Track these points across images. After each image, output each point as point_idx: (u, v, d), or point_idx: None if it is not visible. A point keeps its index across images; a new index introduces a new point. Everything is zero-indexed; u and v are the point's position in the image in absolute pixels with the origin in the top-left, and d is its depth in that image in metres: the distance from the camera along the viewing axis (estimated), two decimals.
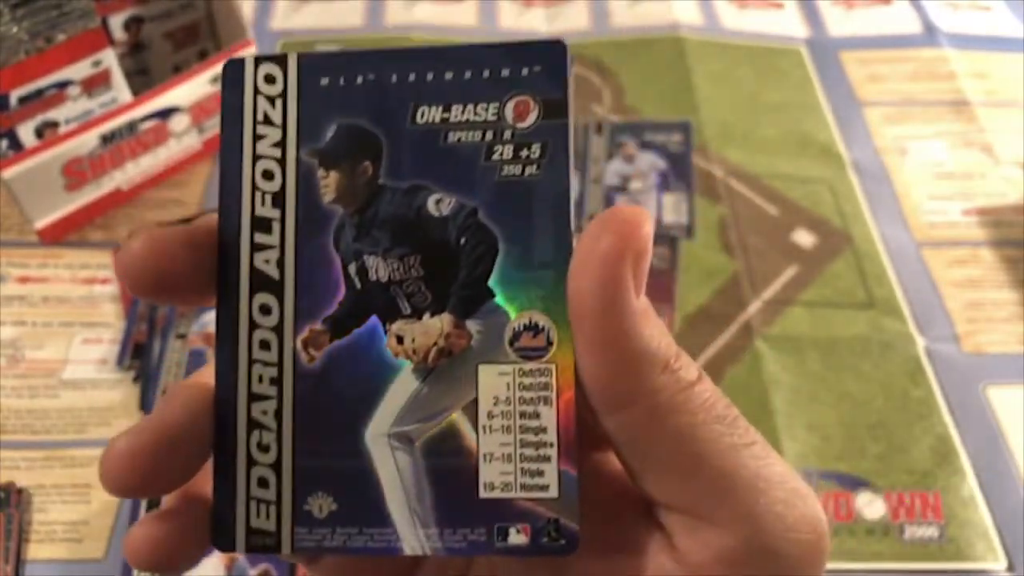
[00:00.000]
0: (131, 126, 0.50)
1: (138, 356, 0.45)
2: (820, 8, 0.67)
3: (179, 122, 0.52)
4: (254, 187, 0.18)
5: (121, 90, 0.49)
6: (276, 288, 0.18)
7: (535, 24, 0.65)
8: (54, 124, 0.48)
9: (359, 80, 0.18)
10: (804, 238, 0.51)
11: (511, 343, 0.17)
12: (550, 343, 0.17)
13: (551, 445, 0.17)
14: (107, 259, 0.50)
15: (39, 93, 0.47)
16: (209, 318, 0.46)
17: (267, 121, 0.18)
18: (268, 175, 0.18)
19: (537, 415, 0.17)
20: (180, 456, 0.17)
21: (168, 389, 0.18)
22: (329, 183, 0.18)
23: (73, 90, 0.48)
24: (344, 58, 0.18)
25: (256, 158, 0.18)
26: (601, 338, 0.16)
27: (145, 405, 0.43)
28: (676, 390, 0.16)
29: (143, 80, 0.53)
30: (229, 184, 0.18)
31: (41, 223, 0.49)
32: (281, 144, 0.18)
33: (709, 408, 0.16)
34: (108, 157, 0.50)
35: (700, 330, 0.46)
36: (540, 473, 0.17)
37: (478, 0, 0.67)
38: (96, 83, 0.48)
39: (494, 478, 0.17)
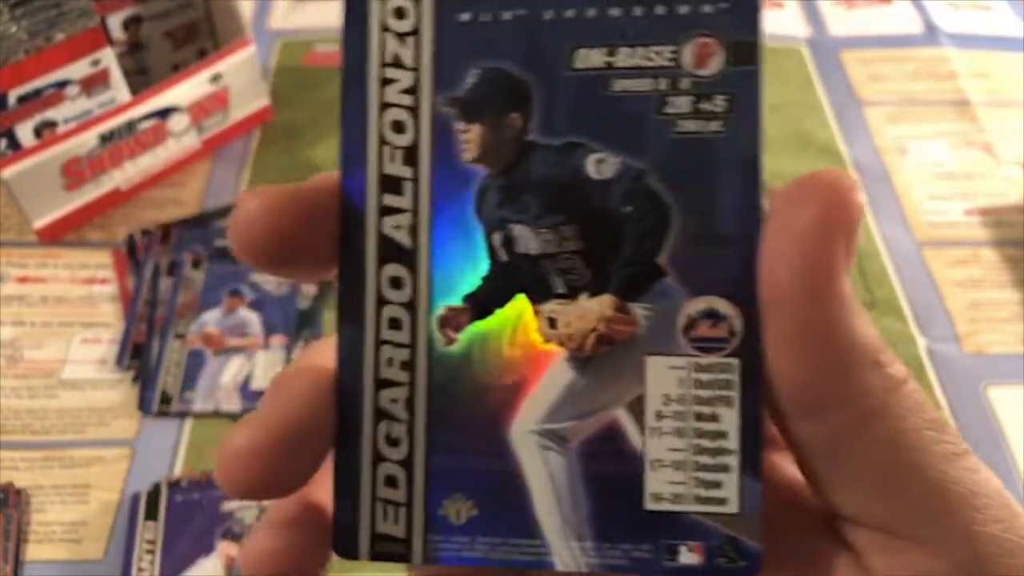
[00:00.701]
0: (130, 126, 0.50)
1: (137, 356, 0.45)
2: (821, 8, 0.67)
3: (178, 122, 0.52)
4: (382, 141, 0.15)
5: (120, 89, 0.49)
6: (409, 259, 0.16)
7: None
8: (53, 124, 0.48)
9: (506, 16, 0.15)
10: None
11: (686, 332, 0.15)
12: (733, 333, 0.15)
13: (732, 453, 0.15)
14: (106, 259, 0.49)
15: (38, 93, 0.46)
16: (208, 318, 0.46)
17: (397, 63, 0.15)
18: (399, 127, 0.16)
19: (716, 417, 0.15)
20: (304, 453, 0.15)
21: (283, 375, 0.16)
22: (470, 138, 0.15)
23: (72, 90, 0.47)
24: None
25: (384, 106, 0.15)
26: (804, 330, 0.13)
27: (144, 405, 0.43)
28: (886, 390, 0.14)
29: (142, 79, 0.53)
30: (352, 137, 0.16)
31: (40, 223, 0.49)
32: (414, 90, 0.15)
33: (920, 411, 0.14)
34: (107, 157, 0.50)
35: None
36: (717, 484, 0.15)
37: None
38: (95, 82, 0.48)
39: (663, 488, 0.15)
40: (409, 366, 0.16)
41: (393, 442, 0.16)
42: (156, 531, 0.39)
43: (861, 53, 0.63)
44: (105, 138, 0.49)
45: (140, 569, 0.38)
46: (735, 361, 0.15)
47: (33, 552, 0.38)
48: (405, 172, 0.16)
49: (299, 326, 0.46)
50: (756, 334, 0.14)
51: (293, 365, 0.16)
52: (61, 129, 0.48)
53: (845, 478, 0.15)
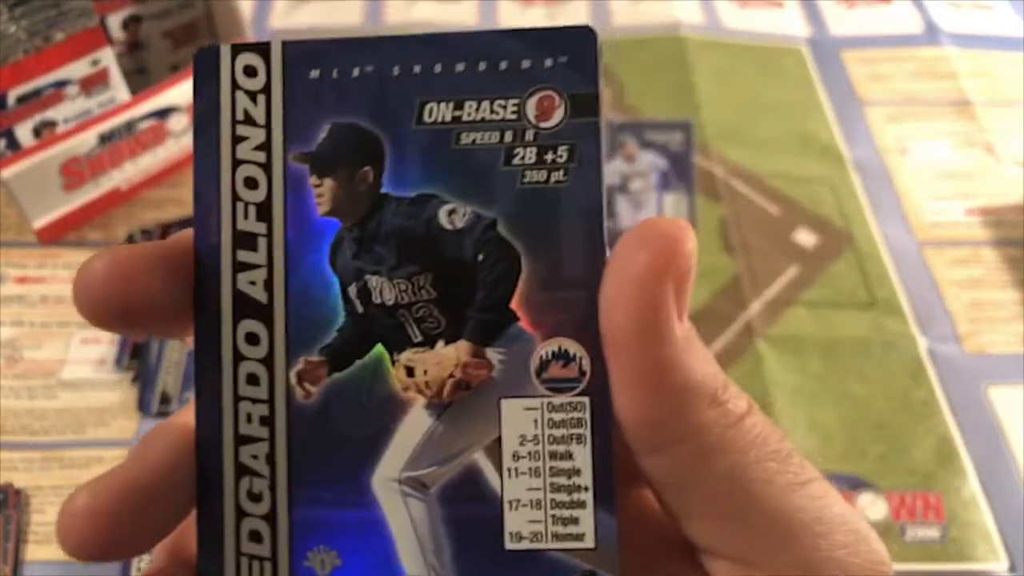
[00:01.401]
0: (129, 126, 0.50)
1: (136, 356, 0.45)
2: (821, 7, 0.67)
3: (178, 122, 0.52)
4: (235, 197, 0.16)
5: (119, 89, 0.49)
6: (264, 314, 0.16)
7: (536, 23, 0.65)
8: (52, 124, 0.48)
9: (355, 72, 0.16)
10: (805, 238, 0.51)
11: (538, 374, 0.15)
12: (583, 373, 0.15)
13: (586, 489, 0.15)
14: None
15: (37, 92, 0.46)
16: None
17: (248, 120, 0.16)
18: (251, 183, 0.16)
19: (570, 455, 0.15)
20: (156, 512, 0.15)
21: (147, 434, 0.16)
22: (323, 192, 0.16)
23: (71, 89, 0.47)
24: (337, 46, 0.16)
25: (236, 163, 0.16)
26: (640, 370, 0.14)
27: (143, 406, 0.43)
28: (725, 426, 0.14)
29: (142, 79, 0.53)
30: (205, 194, 0.16)
31: (39, 223, 0.49)
32: (266, 147, 0.16)
33: (761, 444, 0.15)
34: (106, 157, 0.50)
35: (701, 331, 0.46)
36: (574, 520, 0.15)
37: (477, 0, 0.67)
38: (94, 82, 0.48)
39: (522, 527, 0.15)
40: (268, 421, 0.16)
41: (255, 497, 0.16)
42: None
43: (862, 53, 0.63)
44: (105, 138, 0.49)
45: (139, 570, 0.37)
46: (585, 400, 0.15)
47: (32, 552, 0.38)
48: (259, 228, 0.16)
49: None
50: (603, 373, 0.15)
51: (159, 425, 0.16)
52: (60, 129, 0.48)
53: (694, 511, 0.15)
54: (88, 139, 0.48)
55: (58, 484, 0.40)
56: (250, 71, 0.16)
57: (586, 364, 0.15)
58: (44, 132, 0.48)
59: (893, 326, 0.47)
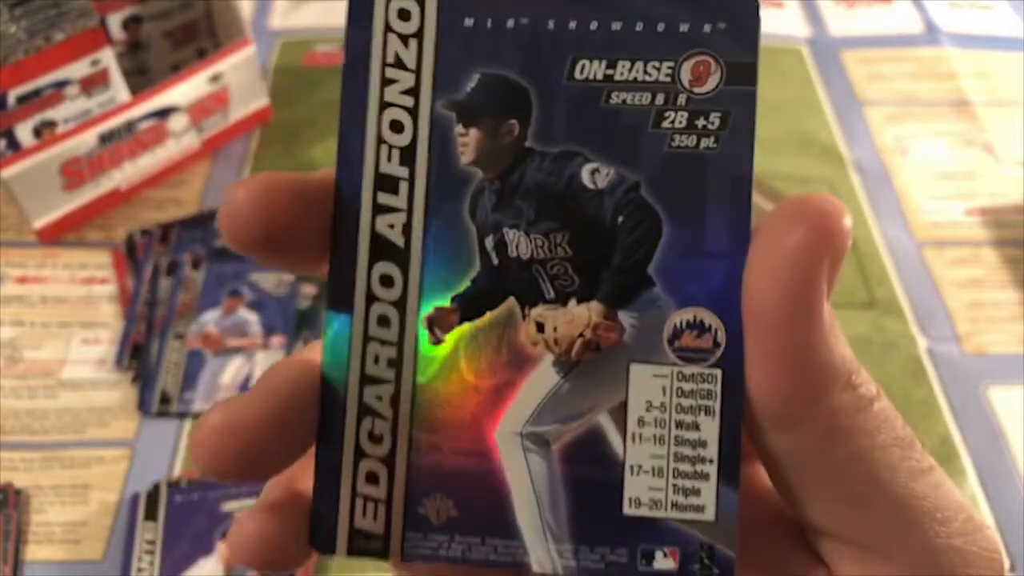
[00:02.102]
0: (129, 126, 0.50)
1: (137, 356, 0.45)
2: (821, 7, 0.67)
3: (177, 122, 0.52)
4: (380, 139, 0.16)
5: (119, 89, 0.49)
6: (401, 257, 0.16)
7: None
8: (52, 124, 0.48)
9: (510, 23, 0.15)
10: None
11: (671, 341, 0.15)
12: (717, 345, 0.15)
13: (710, 461, 0.15)
14: (106, 259, 0.49)
15: (37, 92, 0.46)
16: (207, 319, 0.46)
17: (399, 64, 0.16)
18: (397, 127, 0.16)
19: (696, 426, 0.15)
20: (279, 440, 0.15)
21: (273, 366, 0.16)
22: (468, 141, 0.16)
23: (71, 89, 0.47)
24: None
25: (384, 106, 0.16)
26: (783, 349, 0.14)
27: (143, 405, 0.43)
28: (856, 409, 0.14)
29: (142, 79, 0.53)
30: (350, 135, 0.16)
31: (39, 223, 0.49)
32: (414, 92, 0.16)
33: (888, 428, 0.15)
34: (106, 157, 0.50)
35: None
36: (696, 492, 0.15)
37: None
38: (94, 82, 0.48)
39: (641, 493, 0.15)
40: (396, 364, 0.16)
41: (376, 439, 0.16)
42: (156, 531, 0.39)
43: (861, 53, 0.63)
44: (105, 138, 0.49)
45: (139, 569, 0.37)
46: (717, 372, 0.15)
47: (32, 552, 0.38)
48: (401, 172, 0.16)
49: (298, 326, 0.46)
50: (739, 347, 0.15)
51: (286, 359, 0.16)
52: (61, 129, 0.48)
53: (815, 492, 0.15)
54: (88, 139, 0.48)
55: (58, 484, 0.40)
56: (404, 14, 0.16)
57: (721, 336, 0.15)
58: (44, 132, 0.48)
59: (893, 326, 0.47)
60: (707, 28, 0.15)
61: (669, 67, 0.15)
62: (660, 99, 0.15)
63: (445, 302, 0.16)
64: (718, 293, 0.15)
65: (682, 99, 0.15)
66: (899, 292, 0.48)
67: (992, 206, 0.53)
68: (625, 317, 0.15)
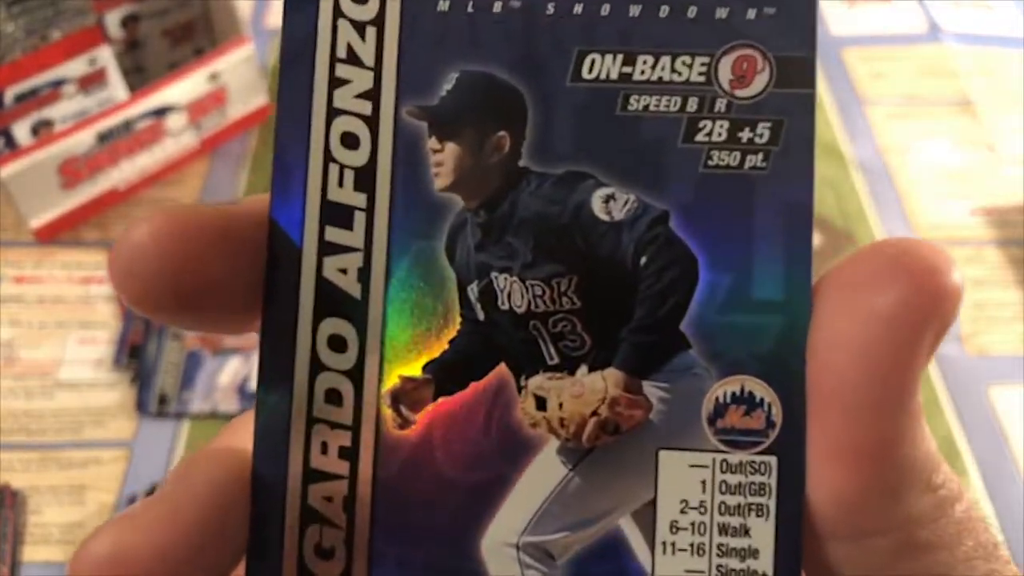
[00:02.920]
0: (127, 124, 0.49)
1: (134, 357, 0.44)
2: (822, 6, 0.66)
3: (175, 120, 0.52)
4: (328, 157, 0.12)
5: (117, 88, 0.49)
6: (356, 312, 0.12)
7: None
8: (50, 122, 0.48)
9: (496, 7, 0.12)
10: None
11: (711, 421, 0.12)
12: (771, 425, 0.12)
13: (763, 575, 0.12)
14: (103, 258, 0.49)
15: (34, 91, 0.46)
16: None
17: (352, 59, 0.12)
18: (351, 141, 0.12)
19: (746, 530, 0.12)
20: (195, 567, 0.11)
21: (187, 460, 0.11)
22: (444, 160, 0.12)
23: (69, 88, 0.47)
24: None
25: (333, 113, 0.12)
26: (859, 443, 0.11)
27: (141, 406, 0.43)
28: (938, 517, 0.12)
29: (139, 78, 0.53)
30: (288, 151, 0.12)
31: (37, 222, 0.49)
32: (373, 95, 0.12)
33: (970, 536, 0.12)
34: (104, 156, 0.49)
35: None
36: None
37: None
38: (92, 81, 0.48)
39: None
40: (350, 454, 0.12)
41: (326, 553, 0.12)
42: None
43: (863, 51, 0.63)
44: (102, 137, 0.49)
45: None
46: (772, 460, 0.12)
47: (30, 553, 0.38)
48: (357, 200, 0.12)
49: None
50: (800, 428, 0.12)
51: (205, 448, 0.13)
52: (58, 128, 0.48)
53: None
54: (86, 138, 0.48)
55: (55, 484, 0.40)
56: None
57: (776, 414, 0.12)
58: (42, 131, 0.48)
59: None
60: (751, 14, 0.12)
61: (704, 63, 0.12)
62: (693, 105, 0.12)
63: (415, 371, 0.12)
64: (772, 358, 0.12)
65: (721, 105, 0.12)
66: None
67: (995, 206, 0.52)
68: (652, 389, 0.12)
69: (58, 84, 0.47)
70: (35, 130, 0.47)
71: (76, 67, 0.47)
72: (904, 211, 0.52)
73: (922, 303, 0.10)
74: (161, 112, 0.51)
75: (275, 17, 0.65)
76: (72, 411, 0.43)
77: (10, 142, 0.47)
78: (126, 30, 0.52)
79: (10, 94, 0.45)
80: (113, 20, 0.51)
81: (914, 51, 0.63)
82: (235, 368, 0.44)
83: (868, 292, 0.11)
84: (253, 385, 0.44)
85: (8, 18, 0.43)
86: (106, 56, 0.48)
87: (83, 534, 0.38)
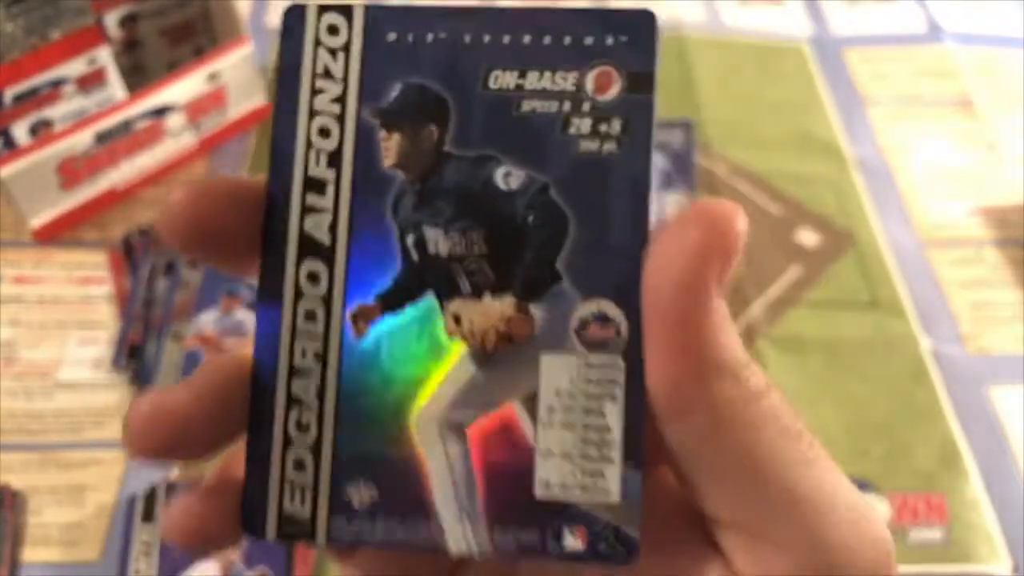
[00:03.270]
0: (126, 124, 0.49)
1: (134, 357, 0.44)
2: (823, 6, 0.66)
3: (174, 120, 0.52)
4: (309, 144, 0.17)
5: (116, 88, 0.49)
6: (326, 255, 0.17)
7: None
8: (49, 122, 0.48)
9: (429, 38, 0.17)
10: (807, 238, 0.51)
11: (578, 332, 0.16)
12: (620, 335, 0.16)
13: (615, 445, 0.16)
14: (102, 259, 0.49)
15: (33, 91, 0.46)
16: (204, 319, 0.46)
17: (327, 75, 0.17)
18: (325, 132, 0.17)
19: (602, 412, 0.16)
20: (206, 427, 0.16)
21: (209, 359, 0.17)
22: (391, 146, 0.17)
23: (68, 88, 0.47)
24: (414, 13, 0.17)
25: (313, 114, 0.17)
26: (674, 341, 0.15)
27: None
28: (744, 401, 0.15)
29: (138, 78, 0.53)
30: (281, 140, 0.17)
31: (36, 222, 0.49)
32: (341, 100, 0.17)
33: (774, 421, 0.15)
34: (103, 156, 0.49)
35: None
36: (601, 475, 0.16)
37: None
38: (91, 81, 0.48)
39: (551, 476, 0.16)
40: (321, 357, 0.17)
41: (303, 427, 0.17)
42: (152, 533, 0.38)
43: (864, 51, 0.63)
44: (101, 137, 0.49)
45: (136, 571, 0.37)
46: (620, 360, 0.16)
47: (29, 554, 0.38)
48: (328, 175, 0.17)
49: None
50: (639, 336, 0.16)
51: (216, 356, 0.17)
52: (57, 128, 0.48)
53: (707, 481, 0.16)
54: (85, 138, 0.48)
55: (55, 485, 0.40)
56: (333, 30, 0.17)
57: (623, 327, 0.16)
58: (41, 131, 0.47)
59: (895, 326, 0.46)
60: (610, 41, 0.16)
61: (575, 76, 0.16)
62: (567, 106, 0.16)
63: (368, 298, 0.17)
64: (620, 286, 0.16)
65: (587, 106, 0.16)
66: (902, 292, 0.48)
67: (995, 206, 0.52)
68: (536, 310, 0.16)
69: (57, 84, 0.47)
70: (34, 130, 0.47)
71: (75, 67, 0.47)
72: (904, 210, 0.52)
73: (712, 239, 0.14)
74: (160, 112, 0.50)
75: (274, 17, 0.65)
76: (72, 411, 0.43)
77: (9, 142, 0.47)
78: (125, 30, 0.52)
79: (9, 94, 0.45)
80: (112, 20, 0.51)
81: (915, 51, 0.63)
82: None
83: (679, 233, 0.15)
84: None
85: (7, 18, 0.43)
86: (105, 56, 0.47)
87: (83, 534, 0.38)
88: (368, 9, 0.17)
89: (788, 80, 0.60)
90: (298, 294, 0.17)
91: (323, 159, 0.17)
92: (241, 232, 0.16)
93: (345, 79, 0.17)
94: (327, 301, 0.17)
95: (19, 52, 0.44)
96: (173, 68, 0.52)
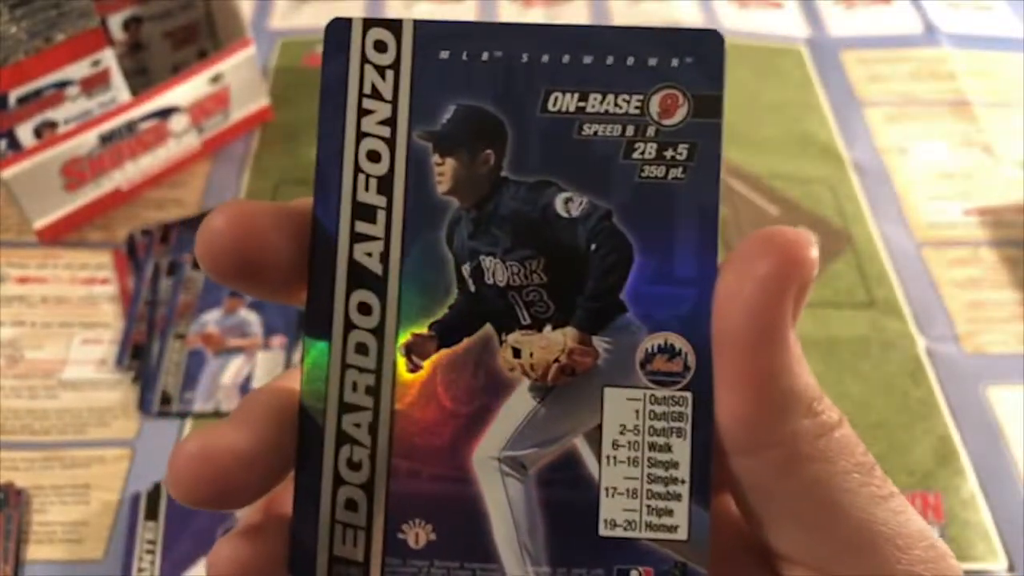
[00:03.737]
0: (130, 126, 0.50)
1: (137, 356, 0.45)
2: (820, 8, 0.67)
3: (178, 122, 0.52)
4: (357, 169, 0.16)
5: (120, 90, 0.49)
6: (378, 285, 0.16)
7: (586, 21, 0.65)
8: (53, 124, 0.48)
9: (484, 56, 0.16)
10: None
11: (643, 365, 0.16)
12: (687, 369, 0.15)
13: (683, 482, 0.15)
14: (106, 259, 0.49)
15: (38, 93, 0.46)
16: (208, 319, 0.46)
17: (375, 94, 0.16)
18: (374, 156, 0.16)
19: (669, 448, 0.15)
20: (258, 469, 0.15)
21: (251, 392, 0.16)
22: (445, 171, 0.16)
23: (72, 90, 0.47)
24: (468, 29, 0.16)
25: (361, 136, 0.16)
26: (748, 374, 0.14)
27: (144, 406, 0.43)
28: (817, 435, 0.15)
29: (142, 80, 0.53)
30: (328, 164, 0.16)
31: (40, 223, 0.49)
32: (391, 122, 0.16)
33: (848, 455, 0.15)
34: (107, 157, 0.50)
35: None
36: (669, 512, 0.15)
37: (478, 0, 0.67)
38: (95, 83, 0.48)
39: (616, 514, 0.16)
40: (374, 391, 0.16)
41: (355, 466, 0.16)
42: (156, 531, 0.39)
43: (861, 53, 0.63)
44: (105, 138, 0.49)
45: (140, 569, 0.38)
46: (688, 395, 0.15)
47: (33, 552, 0.38)
48: (379, 201, 0.16)
49: (299, 327, 0.46)
50: (708, 371, 0.15)
51: (262, 386, 0.16)
52: (61, 129, 0.48)
53: (777, 516, 0.15)
54: (89, 139, 0.48)
55: (59, 484, 0.40)
56: (380, 46, 0.16)
57: (691, 360, 0.15)
58: (45, 132, 0.48)
59: (892, 326, 0.47)
60: (675, 63, 0.16)
61: (639, 100, 0.16)
62: (630, 131, 0.16)
63: (423, 329, 0.16)
64: (688, 318, 0.15)
65: (651, 131, 0.16)
66: (898, 292, 0.48)
67: (991, 206, 0.53)
68: (599, 342, 0.16)
69: (61, 86, 0.47)
70: (38, 132, 0.48)
71: (79, 69, 0.47)
72: (902, 211, 0.53)
73: (785, 267, 0.14)
74: (164, 114, 0.51)
75: (277, 20, 0.65)
76: (75, 411, 0.43)
77: (14, 143, 0.47)
78: (129, 32, 0.52)
79: (13, 96, 0.46)
80: (116, 22, 0.51)
81: (911, 53, 0.63)
82: (237, 368, 0.45)
83: (749, 263, 0.14)
84: (255, 385, 0.44)
85: (11, 20, 0.44)
86: (109, 58, 0.48)
87: (87, 532, 0.39)
88: (418, 24, 0.16)
89: (785, 81, 0.61)
90: (348, 326, 0.16)
91: (373, 184, 0.16)
92: (286, 260, 0.15)
93: (395, 99, 0.16)
94: (379, 333, 0.16)
95: (23, 54, 0.45)
96: (177, 70, 0.52)
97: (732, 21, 0.65)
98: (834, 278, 0.49)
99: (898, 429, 0.42)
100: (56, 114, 0.48)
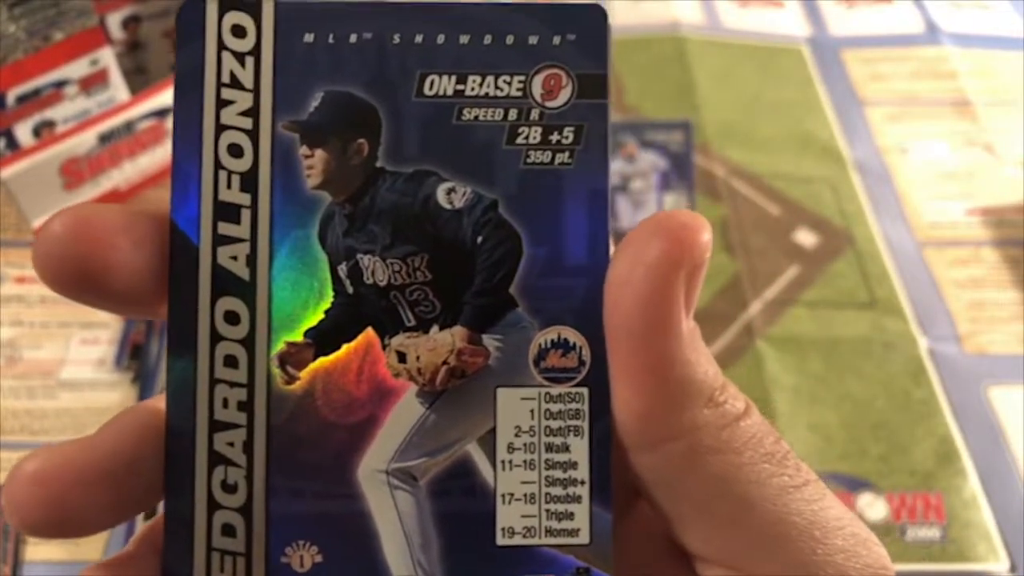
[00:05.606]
0: (129, 125, 0.50)
1: (136, 357, 0.45)
2: (821, 7, 0.67)
3: None
4: (218, 165, 0.15)
5: (119, 89, 0.49)
6: (246, 291, 0.15)
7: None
8: (52, 123, 0.48)
9: (353, 39, 0.15)
10: (806, 238, 0.51)
11: (536, 363, 0.15)
12: (583, 363, 0.15)
13: (582, 483, 0.15)
14: None
15: (36, 92, 0.46)
16: None
17: (235, 83, 0.15)
18: (236, 151, 0.15)
19: (567, 447, 0.15)
20: (105, 492, 0.13)
21: (120, 412, 0.15)
22: (314, 163, 0.15)
23: (71, 89, 0.47)
24: (334, 9, 0.15)
25: (220, 128, 0.15)
26: (641, 365, 0.14)
27: None
28: (720, 426, 0.14)
29: (141, 79, 0.53)
30: (185, 161, 0.15)
31: (39, 223, 0.49)
32: (253, 113, 0.15)
33: (756, 445, 0.14)
34: (106, 156, 0.50)
35: (701, 331, 0.46)
36: (569, 516, 0.15)
37: None
38: (94, 82, 0.48)
39: (514, 522, 0.15)
40: (247, 407, 0.15)
41: (230, 488, 0.15)
42: None
43: (862, 52, 0.63)
44: (104, 138, 0.49)
45: None
46: (584, 391, 0.15)
47: (32, 552, 0.38)
48: (243, 199, 0.15)
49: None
50: (604, 364, 0.14)
51: (131, 406, 0.15)
52: (60, 129, 0.48)
53: (686, 513, 0.14)
54: (87, 139, 0.48)
55: None
56: (238, 31, 0.15)
57: (586, 354, 0.15)
58: (43, 132, 0.48)
59: (893, 326, 0.47)
60: (556, 40, 0.15)
61: (520, 81, 0.15)
62: (513, 114, 0.15)
63: (297, 337, 0.15)
64: (581, 310, 0.15)
65: (535, 114, 0.15)
66: (900, 292, 0.48)
67: (992, 206, 0.53)
68: (489, 340, 0.15)
69: (60, 85, 0.47)
70: (37, 131, 0.48)
71: (78, 68, 0.47)
72: (903, 211, 0.53)
73: (676, 251, 0.13)
74: (162, 113, 0.51)
75: None
76: (74, 411, 0.43)
77: (12, 143, 0.47)
78: (127, 31, 0.52)
79: (12, 95, 0.46)
80: (115, 21, 0.51)
81: (912, 52, 0.63)
82: None
83: (639, 248, 0.13)
84: None
85: (10, 19, 0.44)
86: (108, 57, 0.48)
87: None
88: (279, 6, 0.15)
89: (787, 81, 0.60)
90: (215, 337, 0.14)
91: (236, 181, 0.15)
92: (140, 269, 0.14)
93: (256, 88, 0.15)
94: (249, 344, 0.15)
95: (22, 53, 0.45)
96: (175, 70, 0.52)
97: (733, 20, 0.65)
98: (835, 278, 0.49)
99: (899, 429, 0.42)
100: (55, 113, 0.48)
